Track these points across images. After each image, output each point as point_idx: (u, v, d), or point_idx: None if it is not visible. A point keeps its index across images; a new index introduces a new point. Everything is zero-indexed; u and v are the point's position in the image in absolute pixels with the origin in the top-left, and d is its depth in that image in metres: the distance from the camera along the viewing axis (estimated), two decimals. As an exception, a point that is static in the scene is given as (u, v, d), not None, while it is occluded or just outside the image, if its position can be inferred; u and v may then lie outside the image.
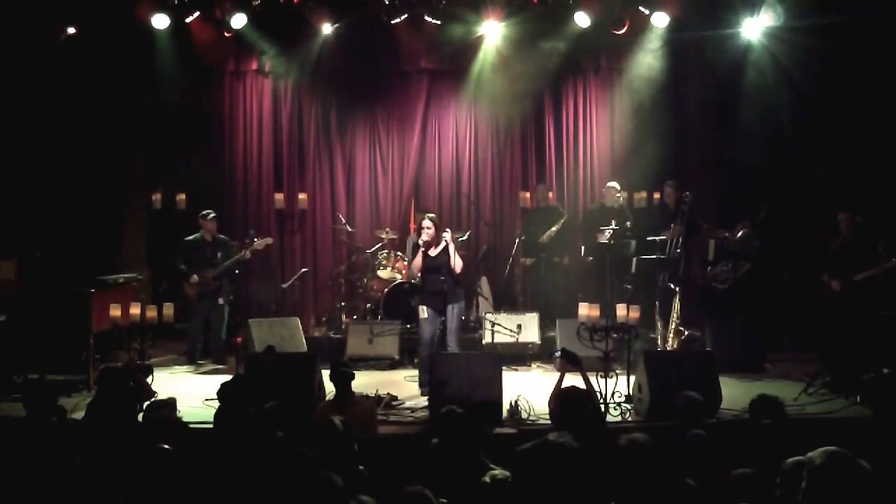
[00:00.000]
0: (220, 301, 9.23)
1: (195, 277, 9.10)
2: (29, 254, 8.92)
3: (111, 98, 9.98)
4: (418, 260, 7.84)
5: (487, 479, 3.95)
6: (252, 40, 10.26)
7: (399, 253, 10.03)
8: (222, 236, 9.44)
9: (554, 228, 9.92)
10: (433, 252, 7.85)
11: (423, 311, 7.84)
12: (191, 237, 9.31)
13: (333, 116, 10.86)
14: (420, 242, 7.82)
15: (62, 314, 7.94)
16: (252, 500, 4.12)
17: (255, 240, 9.42)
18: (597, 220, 9.49)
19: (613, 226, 8.92)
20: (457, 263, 7.82)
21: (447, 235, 7.83)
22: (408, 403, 7.25)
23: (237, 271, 9.51)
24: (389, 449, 5.74)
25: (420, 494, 3.47)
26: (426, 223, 7.81)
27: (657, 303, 8.75)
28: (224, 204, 10.31)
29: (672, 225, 8.82)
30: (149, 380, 7.01)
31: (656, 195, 10.30)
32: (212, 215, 9.32)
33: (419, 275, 7.99)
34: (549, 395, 5.90)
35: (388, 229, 10.26)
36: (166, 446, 4.03)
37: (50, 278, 8.45)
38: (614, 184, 9.99)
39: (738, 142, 9.90)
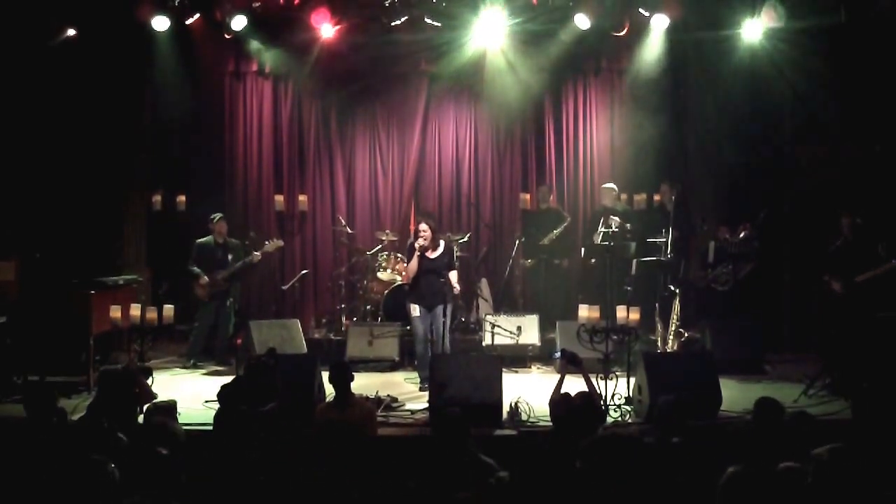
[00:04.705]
0: (228, 303, 9.27)
1: (206, 279, 9.12)
2: (29, 255, 8.92)
3: (111, 99, 9.97)
4: (413, 264, 7.92)
5: (493, 480, 3.96)
6: (252, 42, 10.27)
7: (399, 255, 10.02)
8: (233, 239, 9.49)
9: (556, 231, 9.93)
10: (432, 255, 7.94)
11: (415, 310, 7.99)
12: (203, 239, 9.35)
13: (333, 118, 10.85)
14: (416, 246, 7.87)
15: (62, 315, 7.94)
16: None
17: (266, 242, 9.49)
18: (601, 221, 9.49)
19: (613, 227, 8.94)
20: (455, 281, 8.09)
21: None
22: (408, 405, 7.26)
23: (250, 267, 9.53)
24: (389, 450, 5.77)
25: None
26: (422, 227, 7.95)
27: (657, 304, 8.75)
28: (224, 205, 10.28)
29: (663, 230, 8.86)
30: (149, 381, 7.01)
31: (656, 197, 10.31)
32: (219, 217, 9.37)
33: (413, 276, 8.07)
34: (550, 396, 5.89)
35: (388, 231, 10.26)
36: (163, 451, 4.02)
37: (50, 279, 8.44)
38: (611, 185, 10.01)
39: (738, 142, 9.91)
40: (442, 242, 8.11)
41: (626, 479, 3.78)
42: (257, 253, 9.32)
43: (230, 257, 9.30)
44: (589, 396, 5.51)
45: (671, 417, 4.87)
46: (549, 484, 3.69)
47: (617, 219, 9.21)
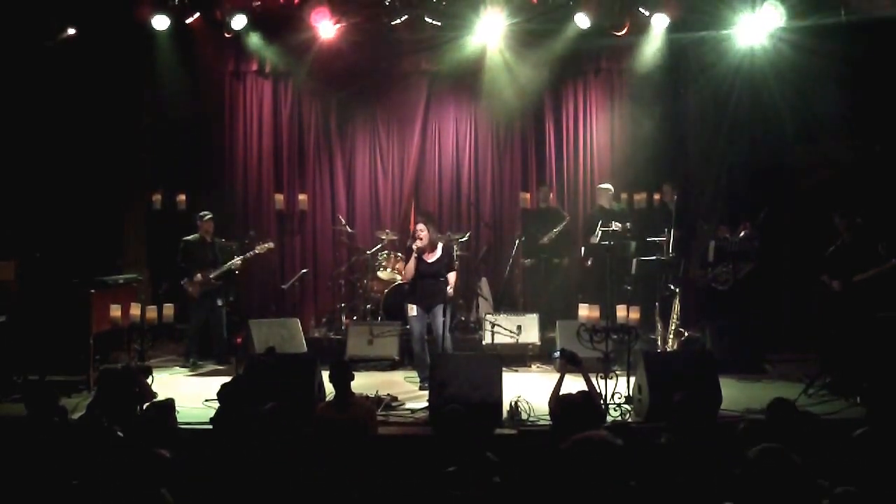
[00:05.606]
0: (219, 302, 9.24)
1: (199, 276, 9.10)
2: (29, 254, 8.92)
3: (111, 99, 9.98)
4: (411, 266, 7.93)
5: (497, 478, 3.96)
6: (252, 41, 10.27)
7: (399, 254, 10.02)
8: (221, 239, 9.45)
9: (556, 230, 9.94)
10: (430, 259, 7.96)
11: (413, 310, 8.03)
12: (191, 237, 9.32)
13: (333, 117, 10.86)
14: (413, 248, 7.88)
15: (62, 315, 7.95)
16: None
17: (257, 245, 9.41)
18: (598, 222, 9.49)
19: (614, 227, 8.95)
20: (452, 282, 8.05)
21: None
22: (408, 404, 7.26)
23: (236, 272, 9.51)
24: (390, 449, 5.77)
25: None
26: (419, 227, 7.96)
27: (657, 304, 8.75)
28: (224, 204, 10.31)
29: (665, 229, 8.87)
30: (149, 380, 7.01)
31: (656, 196, 10.32)
32: (209, 216, 9.34)
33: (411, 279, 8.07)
34: (549, 395, 5.89)
35: (388, 230, 10.26)
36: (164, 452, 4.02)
37: (50, 279, 8.45)
38: (607, 185, 10.01)
39: (738, 142, 9.91)
40: (440, 245, 8.09)
41: (626, 479, 3.77)
42: (248, 253, 9.29)
43: (219, 257, 9.26)
44: (589, 395, 5.50)
45: (690, 414, 4.87)
46: (549, 483, 3.69)
47: (617, 224, 9.21)
